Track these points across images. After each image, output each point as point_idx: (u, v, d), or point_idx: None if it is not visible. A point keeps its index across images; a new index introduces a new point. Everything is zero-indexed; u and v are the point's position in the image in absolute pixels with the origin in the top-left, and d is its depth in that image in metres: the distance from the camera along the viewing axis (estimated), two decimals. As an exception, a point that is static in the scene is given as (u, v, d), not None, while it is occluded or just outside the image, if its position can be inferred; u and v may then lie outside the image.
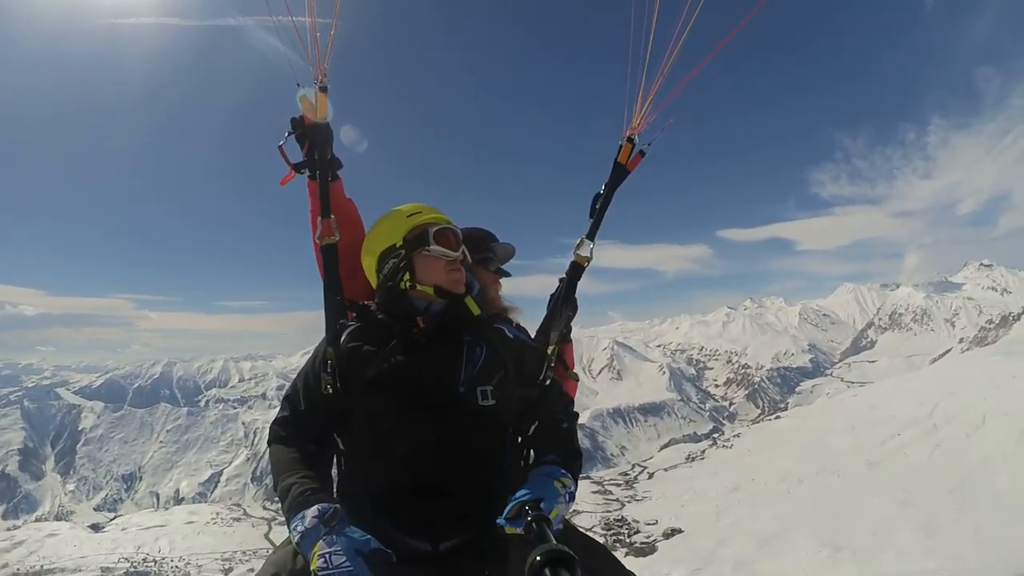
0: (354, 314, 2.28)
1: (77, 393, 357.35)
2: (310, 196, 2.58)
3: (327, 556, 1.65)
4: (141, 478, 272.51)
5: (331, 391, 2.08)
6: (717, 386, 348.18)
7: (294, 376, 2.26)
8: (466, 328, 2.20)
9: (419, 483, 2.00)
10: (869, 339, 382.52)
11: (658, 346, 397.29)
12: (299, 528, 1.75)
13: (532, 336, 2.63)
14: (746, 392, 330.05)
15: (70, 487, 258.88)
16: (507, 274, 2.99)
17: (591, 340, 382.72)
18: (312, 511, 1.76)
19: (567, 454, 2.19)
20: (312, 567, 1.65)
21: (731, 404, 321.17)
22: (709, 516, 17.27)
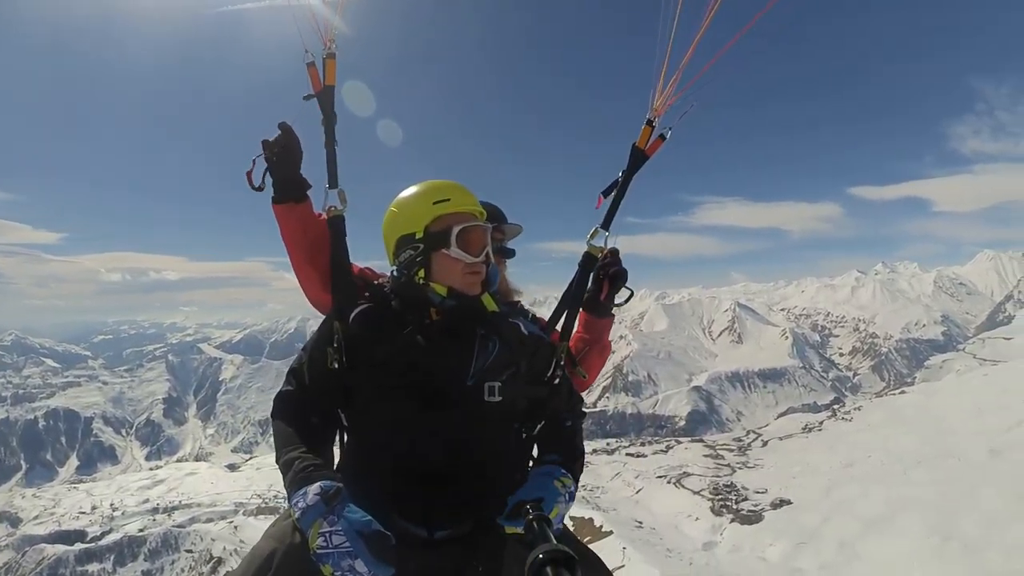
0: (367, 293, 2.27)
1: (218, 348, 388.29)
2: (279, 221, 2.57)
3: (327, 535, 1.66)
4: None
5: (336, 367, 2.06)
6: (842, 355, 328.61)
7: None
8: (480, 322, 2.17)
9: (420, 470, 2.01)
10: (1007, 313, 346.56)
11: (782, 310, 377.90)
12: (300, 504, 1.74)
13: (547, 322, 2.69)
14: (872, 363, 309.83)
15: (210, 431, 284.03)
16: (512, 253, 2.92)
17: (712, 301, 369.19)
18: (314, 488, 1.76)
19: (568, 454, 2.21)
20: (311, 545, 1.67)
21: (855, 375, 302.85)
22: (819, 490, 17.37)
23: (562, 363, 2.34)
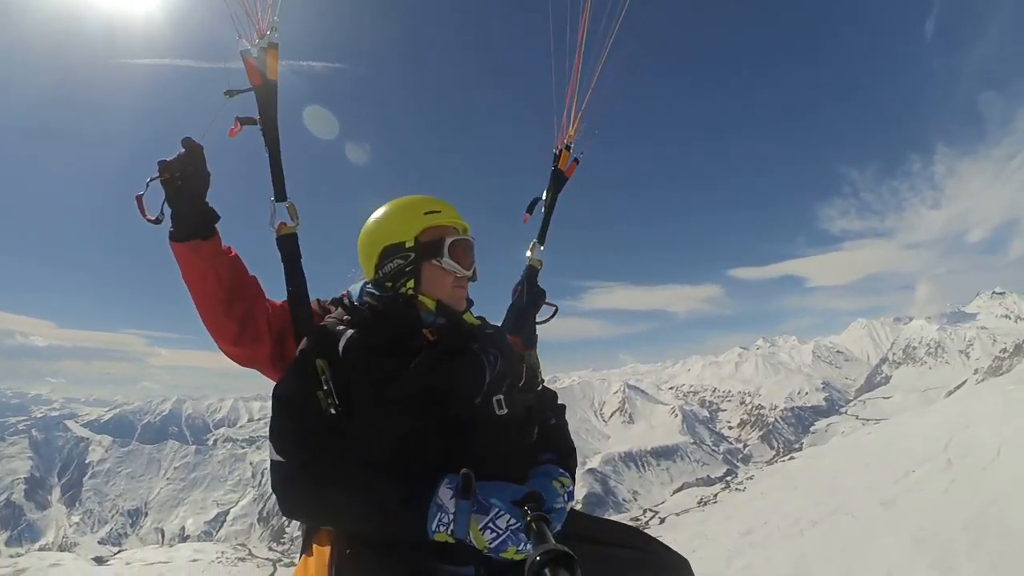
0: (345, 316, 2.02)
1: (86, 426, 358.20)
2: (181, 263, 2.09)
3: (490, 525, 1.54)
4: (147, 514, 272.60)
5: (333, 412, 1.76)
6: (731, 428, 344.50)
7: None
8: (473, 337, 2.04)
9: None
10: (884, 375, 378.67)
11: (670, 388, 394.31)
12: (445, 521, 1.56)
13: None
14: (760, 433, 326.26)
15: (75, 519, 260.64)
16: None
17: (602, 383, 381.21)
18: (443, 493, 1.59)
19: (562, 451, 2.17)
20: (482, 546, 1.54)
21: (745, 446, 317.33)
22: (721, 562, 16.65)
23: (540, 378, 2.32)
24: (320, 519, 1.88)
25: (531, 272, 2.75)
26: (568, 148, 2.82)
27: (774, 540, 19.19)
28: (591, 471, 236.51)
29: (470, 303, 2.13)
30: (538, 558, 1.34)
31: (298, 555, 2.11)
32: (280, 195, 2.18)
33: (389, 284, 2.00)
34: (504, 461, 1.87)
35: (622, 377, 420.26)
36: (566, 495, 1.90)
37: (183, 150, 2.01)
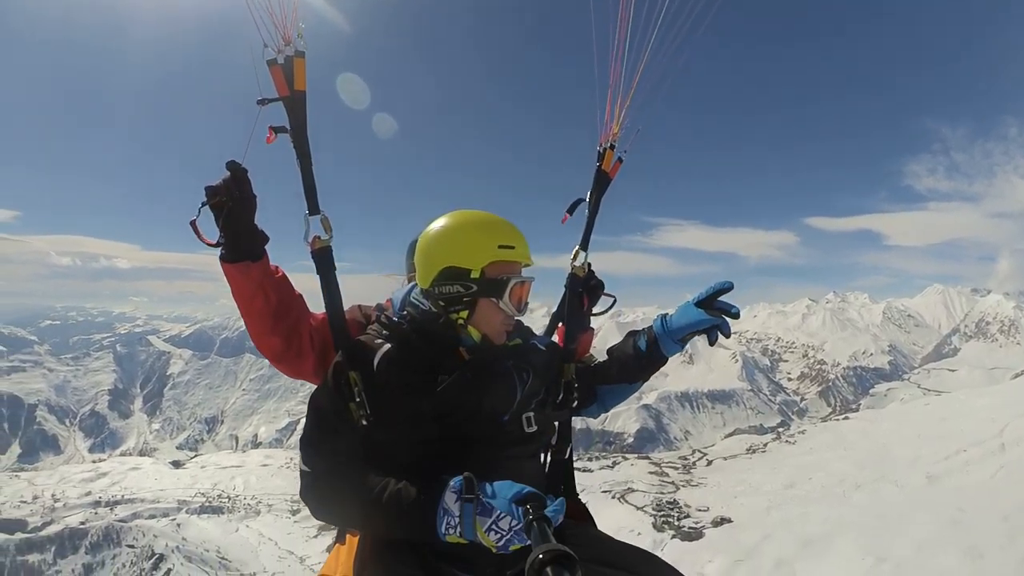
0: (383, 330, 2.05)
1: (167, 341, 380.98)
2: (232, 283, 2.13)
3: (494, 527, 1.57)
4: (223, 422, 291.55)
5: (365, 423, 1.85)
6: (790, 379, 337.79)
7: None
8: (508, 356, 2.07)
9: None
10: (953, 346, 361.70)
11: (734, 333, 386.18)
12: (452, 524, 1.62)
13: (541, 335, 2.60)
14: (819, 388, 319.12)
15: (155, 426, 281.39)
16: None
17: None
18: (448, 498, 1.64)
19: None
20: (490, 546, 1.58)
21: (802, 399, 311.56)
22: (760, 510, 17.41)
23: (576, 386, 2.31)
24: (347, 525, 2.13)
25: (574, 281, 2.64)
26: (612, 147, 2.69)
27: (815, 497, 19.74)
28: (645, 407, 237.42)
29: (511, 336, 2.12)
30: (539, 557, 1.35)
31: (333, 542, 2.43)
32: (313, 208, 2.11)
33: (442, 303, 1.98)
34: (529, 479, 1.84)
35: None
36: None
37: (228, 174, 2.01)
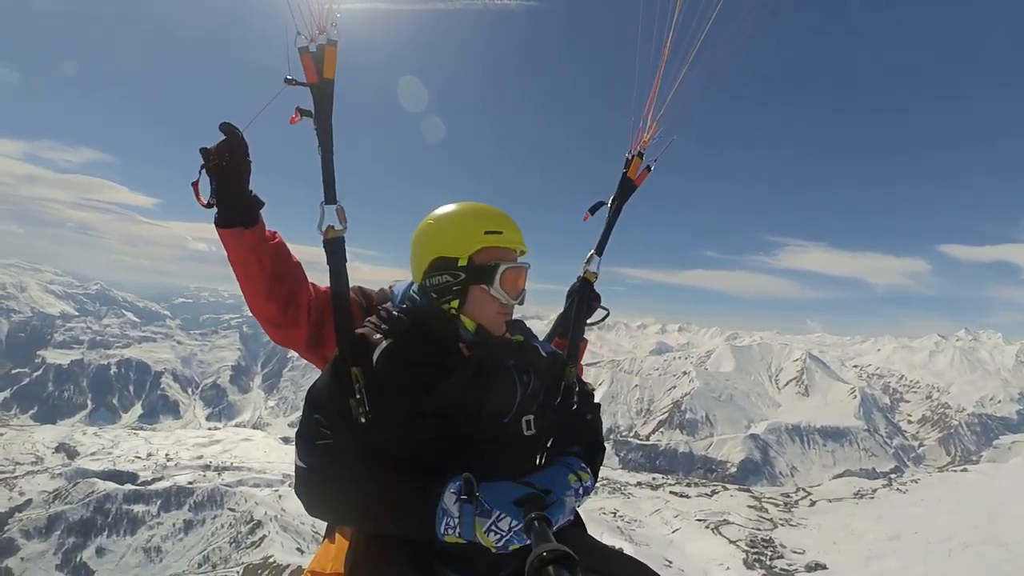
0: (381, 324, 1.97)
1: None
2: (226, 247, 2.19)
3: (493, 528, 1.59)
4: None
5: (364, 420, 1.79)
6: (910, 422, 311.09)
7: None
8: (510, 354, 2.05)
9: None
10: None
11: (855, 366, 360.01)
12: (452, 524, 1.62)
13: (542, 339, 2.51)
14: (940, 435, 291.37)
15: (271, 403, 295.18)
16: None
17: (783, 348, 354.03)
18: (448, 499, 1.64)
19: (592, 447, 2.16)
20: (489, 547, 1.61)
21: (921, 444, 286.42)
22: (858, 560, 17.15)
23: (577, 389, 2.26)
24: (343, 522, 2.09)
25: (584, 285, 2.60)
26: (641, 155, 2.63)
27: (918, 553, 18.97)
28: (753, 436, 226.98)
29: (514, 324, 2.12)
30: (540, 556, 1.36)
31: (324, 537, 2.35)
32: (330, 198, 2.02)
33: (434, 296, 1.98)
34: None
35: (805, 345, 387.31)
36: (581, 489, 1.91)
37: (222, 136, 2.01)
